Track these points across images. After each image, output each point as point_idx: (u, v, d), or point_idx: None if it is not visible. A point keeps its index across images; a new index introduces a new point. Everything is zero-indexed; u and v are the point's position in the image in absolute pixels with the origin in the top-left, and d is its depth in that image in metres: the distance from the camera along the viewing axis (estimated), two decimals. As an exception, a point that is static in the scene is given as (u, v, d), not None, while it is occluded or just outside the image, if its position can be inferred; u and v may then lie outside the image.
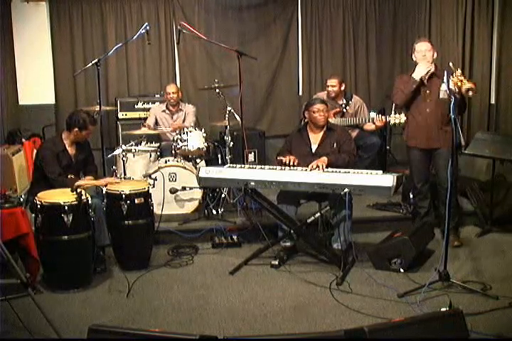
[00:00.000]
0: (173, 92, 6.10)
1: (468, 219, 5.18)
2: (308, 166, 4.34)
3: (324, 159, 4.44)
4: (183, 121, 6.11)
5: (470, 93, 3.98)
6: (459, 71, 3.96)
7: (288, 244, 4.57)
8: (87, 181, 4.45)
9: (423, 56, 4.49)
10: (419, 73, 4.48)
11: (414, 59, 4.59)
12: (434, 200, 4.95)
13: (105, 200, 4.38)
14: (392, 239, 4.30)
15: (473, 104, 6.08)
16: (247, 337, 3.17)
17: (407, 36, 7.31)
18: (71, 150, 4.52)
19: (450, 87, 3.89)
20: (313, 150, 4.68)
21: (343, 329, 2.49)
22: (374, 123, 5.62)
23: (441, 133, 4.55)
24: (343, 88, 6.10)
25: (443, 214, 4.43)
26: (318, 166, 4.30)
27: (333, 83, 6.02)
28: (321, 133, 4.70)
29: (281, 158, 4.53)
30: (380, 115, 5.66)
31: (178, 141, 5.48)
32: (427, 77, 4.52)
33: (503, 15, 5.62)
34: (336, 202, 4.27)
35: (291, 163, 4.43)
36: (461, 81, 3.94)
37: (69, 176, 4.40)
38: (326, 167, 4.32)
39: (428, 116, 4.58)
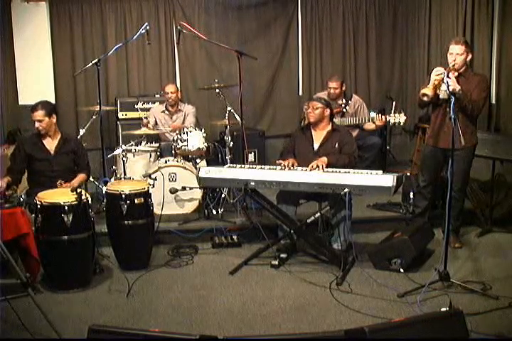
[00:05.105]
0: (171, 92, 6.07)
1: (468, 219, 5.18)
2: (309, 165, 4.33)
3: (324, 159, 4.44)
4: (183, 122, 6.08)
5: (425, 98, 4.06)
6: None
7: (287, 241, 4.55)
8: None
9: (453, 60, 4.31)
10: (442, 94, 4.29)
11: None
12: (435, 201, 4.92)
13: (105, 200, 4.38)
14: (392, 239, 4.30)
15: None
16: (247, 337, 3.17)
17: (407, 36, 7.32)
18: (48, 143, 4.67)
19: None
20: (315, 149, 4.69)
21: (343, 329, 2.48)
22: (374, 122, 5.62)
23: (464, 134, 4.47)
24: (343, 89, 6.13)
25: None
26: (318, 166, 4.31)
27: (334, 85, 6.05)
28: (325, 132, 4.71)
29: (281, 161, 4.52)
30: (379, 115, 5.67)
31: (178, 141, 5.47)
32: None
33: (503, 16, 5.61)
34: (335, 202, 4.28)
35: (290, 167, 4.41)
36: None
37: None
38: (326, 167, 4.32)
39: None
